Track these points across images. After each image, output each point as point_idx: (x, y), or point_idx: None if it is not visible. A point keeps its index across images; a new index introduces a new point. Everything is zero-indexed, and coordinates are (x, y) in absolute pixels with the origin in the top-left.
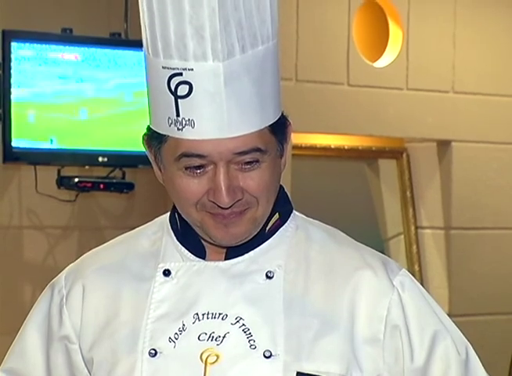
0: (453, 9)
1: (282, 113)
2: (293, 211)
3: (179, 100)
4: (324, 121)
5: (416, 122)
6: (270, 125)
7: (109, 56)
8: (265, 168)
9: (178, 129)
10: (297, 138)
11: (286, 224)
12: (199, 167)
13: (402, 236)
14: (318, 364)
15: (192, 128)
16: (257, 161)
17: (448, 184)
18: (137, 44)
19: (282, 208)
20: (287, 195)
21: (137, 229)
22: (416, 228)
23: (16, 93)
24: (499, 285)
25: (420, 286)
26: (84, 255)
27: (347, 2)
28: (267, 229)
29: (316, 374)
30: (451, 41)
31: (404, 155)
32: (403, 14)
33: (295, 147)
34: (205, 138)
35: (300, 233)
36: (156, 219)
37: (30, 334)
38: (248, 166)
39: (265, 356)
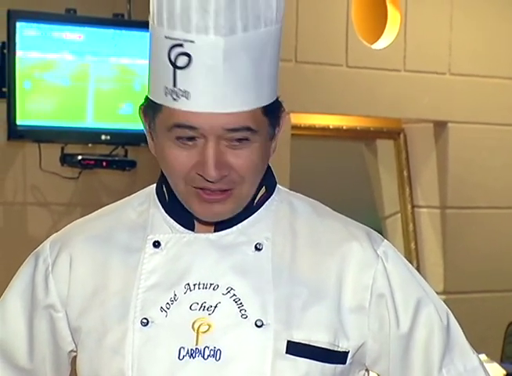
0: None
1: (277, 99)
2: (277, 185)
3: (177, 71)
4: (323, 102)
5: (413, 103)
6: (264, 107)
7: (112, 36)
8: (255, 148)
9: (174, 99)
10: (296, 118)
11: (271, 197)
12: (190, 138)
13: (399, 215)
14: (307, 333)
15: (187, 99)
16: (247, 140)
17: (444, 164)
18: (140, 24)
19: (267, 182)
20: (271, 169)
21: (122, 200)
22: (413, 207)
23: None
24: (494, 263)
25: (402, 256)
26: (70, 225)
27: None
28: (255, 202)
29: (306, 342)
30: (448, 23)
31: (401, 135)
32: None
33: (294, 127)
34: (198, 110)
35: (284, 207)
36: (142, 191)
37: (12, 302)
38: (238, 144)
39: (256, 325)
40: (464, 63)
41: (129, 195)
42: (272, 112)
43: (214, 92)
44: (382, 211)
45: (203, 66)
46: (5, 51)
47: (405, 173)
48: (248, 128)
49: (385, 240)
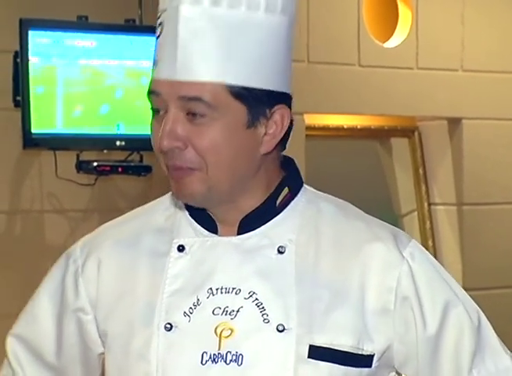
0: None
1: (270, 91)
2: (304, 186)
3: (156, 40)
4: (336, 102)
5: (426, 101)
6: (231, 87)
7: (124, 41)
8: (217, 126)
9: (153, 69)
10: (309, 118)
11: (296, 198)
12: (158, 111)
13: (416, 213)
14: (330, 337)
15: (156, 67)
16: (203, 116)
17: (459, 161)
18: (151, 29)
19: (292, 182)
20: (298, 170)
21: (149, 204)
22: (429, 204)
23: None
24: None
25: (431, 256)
26: (100, 228)
27: None
28: (277, 203)
29: (328, 346)
30: (459, 19)
31: (416, 133)
32: None
33: (308, 128)
34: (160, 77)
35: (311, 207)
36: (166, 195)
37: (42, 302)
38: (193, 117)
39: (278, 330)
40: (477, 59)
41: (145, 200)
42: (253, 98)
43: (172, 59)
44: (398, 209)
45: (167, 33)
46: (18, 60)
47: (421, 171)
48: (201, 99)
49: (413, 241)
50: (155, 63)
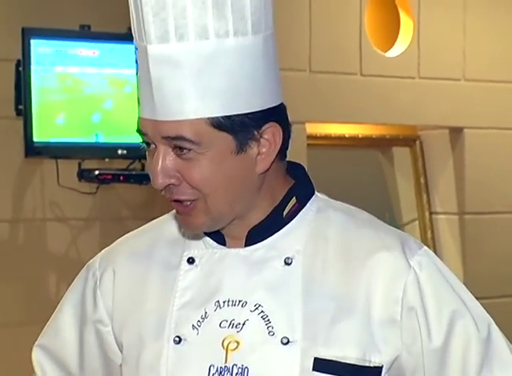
0: (463, 0)
1: (255, 112)
2: (316, 194)
3: (136, 77)
4: (338, 111)
5: (428, 110)
6: (212, 119)
7: (126, 50)
8: (204, 159)
9: (138, 107)
10: (311, 128)
11: (306, 207)
12: (149, 145)
13: (417, 222)
14: (335, 349)
15: (140, 105)
16: (190, 150)
17: (461, 170)
18: None
19: (299, 192)
20: (308, 177)
21: (164, 216)
22: (431, 213)
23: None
24: None
25: (441, 263)
26: (117, 241)
27: None
28: (284, 214)
29: (333, 359)
30: (461, 29)
31: (417, 142)
32: (414, 4)
33: (310, 137)
34: (143, 117)
35: (320, 216)
36: None
37: (65, 314)
38: (181, 152)
39: (282, 343)
40: (479, 69)
41: (147, 208)
42: (237, 126)
43: (151, 99)
44: (400, 218)
45: (142, 72)
46: (21, 68)
47: (422, 180)
48: (184, 138)
49: (424, 248)
50: (138, 100)
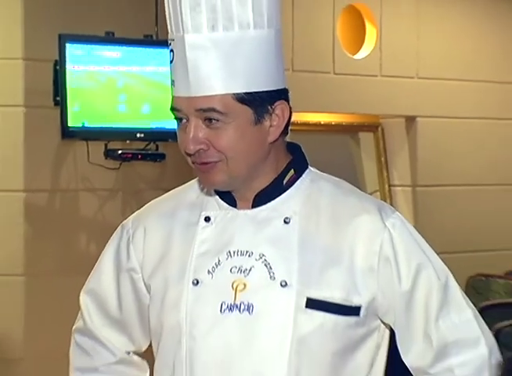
0: (417, 10)
1: (268, 91)
2: (309, 168)
3: (170, 65)
4: (315, 102)
5: (388, 102)
6: (237, 94)
7: (143, 52)
8: (231, 128)
9: (172, 88)
10: (293, 116)
11: (301, 178)
12: (181, 119)
13: (379, 193)
14: (324, 291)
15: (174, 87)
16: (218, 120)
17: (414, 151)
18: (166, 43)
19: (296, 165)
20: (304, 155)
21: (184, 185)
22: (390, 186)
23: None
24: (455, 228)
25: (410, 226)
26: (146, 205)
27: (331, 7)
28: (284, 182)
29: (322, 299)
30: (415, 36)
31: (379, 129)
32: (376, 15)
33: (292, 124)
34: (179, 95)
35: (313, 186)
36: (196, 179)
37: (105, 264)
38: (210, 123)
39: (281, 285)
40: (430, 69)
41: (160, 181)
42: (255, 101)
43: (185, 79)
44: (365, 190)
45: (178, 58)
46: (58, 67)
47: (383, 159)
48: (214, 110)
49: (396, 213)
50: (172, 83)
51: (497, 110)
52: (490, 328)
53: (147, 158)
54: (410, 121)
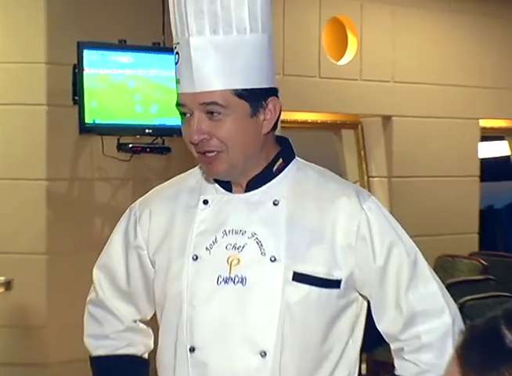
0: (393, 22)
1: (263, 88)
2: (296, 158)
3: (176, 65)
4: (303, 103)
5: (367, 103)
6: (235, 90)
7: (152, 58)
8: (230, 120)
9: (177, 86)
10: (284, 115)
11: (289, 166)
12: (185, 114)
13: (358, 183)
14: (308, 266)
15: (179, 84)
16: (219, 113)
17: (390, 146)
18: (172, 50)
19: (285, 155)
20: (291, 146)
21: (188, 172)
22: (368, 177)
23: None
24: (426, 215)
25: (384, 208)
26: (151, 190)
27: (318, 19)
28: (274, 169)
29: (307, 273)
30: (391, 45)
31: (359, 126)
32: (357, 27)
33: (282, 121)
34: (183, 91)
35: (299, 173)
36: (196, 167)
37: (115, 242)
38: (212, 116)
39: (271, 260)
40: (404, 74)
41: (166, 172)
42: (252, 96)
43: (190, 77)
44: (346, 180)
45: (183, 59)
46: (76, 70)
47: (363, 153)
48: (216, 103)
49: (372, 197)
50: (177, 81)
51: (462, 111)
52: (456, 302)
53: (155, 151)
54: (386, 120)
